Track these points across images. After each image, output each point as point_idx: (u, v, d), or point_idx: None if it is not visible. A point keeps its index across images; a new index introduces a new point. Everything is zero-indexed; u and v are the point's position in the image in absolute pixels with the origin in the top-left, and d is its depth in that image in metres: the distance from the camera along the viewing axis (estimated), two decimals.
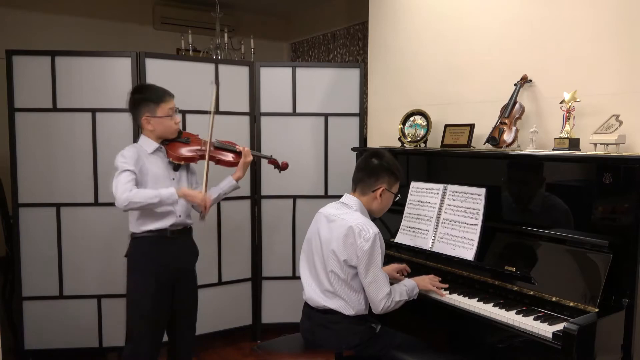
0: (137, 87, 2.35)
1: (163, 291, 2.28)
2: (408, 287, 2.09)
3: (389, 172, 2.12)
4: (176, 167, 2.35)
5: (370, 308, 2.07)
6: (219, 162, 2.43)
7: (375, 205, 2.14)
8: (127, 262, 2.31)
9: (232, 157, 2.45)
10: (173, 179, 2.33)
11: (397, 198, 2.21)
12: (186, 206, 2.35)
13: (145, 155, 2.27)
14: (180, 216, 2.30)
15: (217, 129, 2.57)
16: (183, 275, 2.37)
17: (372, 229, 1.98)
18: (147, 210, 2.22)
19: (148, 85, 2.37)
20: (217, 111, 2.40)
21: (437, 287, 2.15)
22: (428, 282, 2.16)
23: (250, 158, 2.43)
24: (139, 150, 2.27)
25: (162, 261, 2.27)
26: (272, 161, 2.61)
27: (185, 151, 2.35)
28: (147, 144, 2.30)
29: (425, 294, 2.16)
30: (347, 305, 2.04)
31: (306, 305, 2.18)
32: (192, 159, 2.37)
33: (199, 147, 2.38)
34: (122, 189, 2.12)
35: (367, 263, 1.96)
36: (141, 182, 2.24)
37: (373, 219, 2.14)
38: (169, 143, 2.35)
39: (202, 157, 2.35)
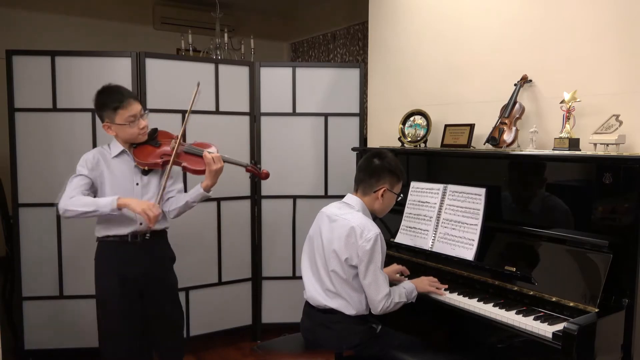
0: (100, 89, 2.21)
1: (128, 295, 2.20)
2: (407, 289, 2.09)
3: (390, 172, 2.12)
4: (145, 172, 2.24)
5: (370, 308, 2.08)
6: (184, 168, 2.26)
7: (377, 206, 2.14)
8: (94, 265, 2.26)
9: (201, 165, 2.23)
10: (137, 184, 2.22)
11: (400, 198, 2.20)
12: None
13: (106, 159, 2.21)
14: (141, 224, 2.18)
15: (217, 129, 2.57)
16: (151, 279, 2.25)
17: (373, 230, 1.98)
18: (105, 217, 2.14)
19: (110, 88, 2.21)
20: (192, 112, 2.29)
21: (436, 288, 2.15)
22: (427, 283, 2.16)
23: (217, 166, 2.19)
24: (103, 153, 2.22)
25: (124, 265, 2.19)
26: (250, 169, 2.34)
27: (151, 156, 2.22)
28: (113, 147, 2.23)
29: (426, 294, 2.16)
30: (348, 305, 2.04)
31: (307, 304, 2.18)
32: (155, 165, 2.22)
33: (167, 151, 2.23)
34: (65, 195, 2.08)
35: (367, 263, 1.96)
36: (99, 186, 2.18)
37: (374, 219, 2.14)
38: (137, 146, 2.23)
39: (167, 163, 2.20)
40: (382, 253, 2.00)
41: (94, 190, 2.18)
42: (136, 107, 2.19)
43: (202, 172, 2.23)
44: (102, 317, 2.27)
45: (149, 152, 2.23)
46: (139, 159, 2.20)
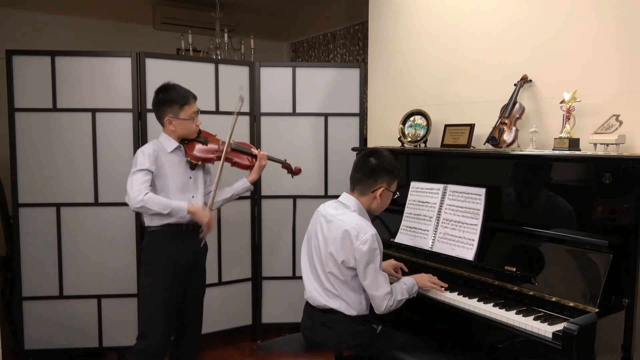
0: (163, 86, 2.37)
1: (176, 284, 2.33)
2: (408, 285, 2.09)
3: (388, 171, 2.11)
4: (193, 166, 2.39)
5: (371, 308, 2.08)
6: (234, 164, 2.49)
7: (375, 205, 2.13)
8: (143, 255, 2.37)
9: (248, 160, 2.51)
10: (190, 177, 2.38)
11: (396, 196, 2.20)
12: (202, 202, 2.41)
13: (164, 153, 2.32)
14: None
15: (217, 129, 2.58)
16: (195, 269, 2.44)
17: (369, 231, 1.97)
18: None
19: (174, 85, 2.38)
20: (240, 113, 2.48)
21: (436, 285, 2.15)
22: (427, 279, 2.16)
23: (265, 162, 2.52)
24: (159, 148, 2.32)
25: (178, 254, 2.32)
26: (286, 166, 2.68)
27: (203, 152, 2.40)
28: (168, 142, 2.35)
29: (425, 294, 2.16)
30: (348, 306, 2.03)
31: (307, 304, 2.17)
32: (209, 160, 2.41)
33: (216, 148, 2.43)
34: (137, 190, 2.17)
35: (366, 264, 1.96)
36: (158, 180, 2.29)
37: (374, 219, 2.13)
38: (188, 142, 2.39)
39: (218, 159, 2.40)
40: (379, 253, 2.00)
41: (151, 184, 2.27)
42: (196, 105, 2.38)
43: (249, 167, 2.52)
44: (145, 308, 2.35)
45: (200, 148, 2.40)
46: (193, 154, 2.36)
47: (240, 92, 2.47)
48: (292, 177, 2.74)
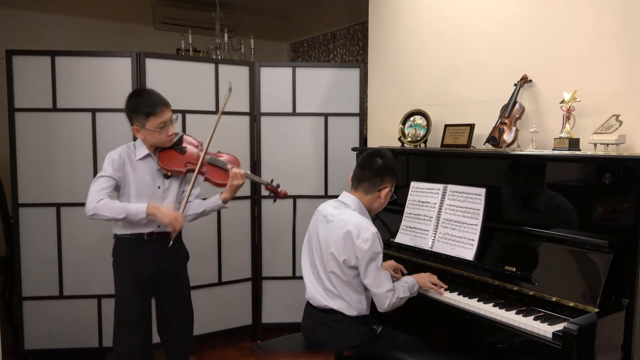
0: (133, 92, 2.27)
1: (138, 295, 2.26)
2: (409, 283, 2.10)
3: (392, 172, 2.13)
4: (167, 176, 2.28)
5: (371, 309, 2.08)
6: (206, 179, 2.30)
7: (376, 205, 2.14)
8: (112, 260, 2.33)
9: (224, 176, 2.30)
10: (159, 187, 2.25)
11: (394, 197, 2.21)
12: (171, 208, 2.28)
13: (132, 160, 2.23)
14: (159, 226, 2.22)
15: (217, 129, 2.57)
16: (165, 277, 2.30)
17: (370, 229, 1.98)
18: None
19: (144, 92, 2.26)
20: (222, 113, 2.36)
21: (436, 285, 2.16)
22: (427, 279, 2.17)
23: (239, 182, 2.27)
24: (129, 154, 2.23)
25: (139, 262, 2.24)
26: (270, 187, 2.43)
27: (176, 162, 2.26)
28: (139, 149, 2.25)
29: (426, 294, 2.17)
30: (349, 306, 2.04)
31: (308, 304, 2.18)
32: (179, 172, 2.26)
33: (193, 158, 2.28)
34: (93, 197, 2.10)
35: (368, 263, 1.96)
36: (123, 186, 2.21)
37: (374, 218, 2.14)
38: (163, 150, 2.26)
39: (191, 171, 2.25)
40: (381, 251, 2.00)
41: (117, 189, 2.22)
42: (167, 114, 2.20)
43: (222, 185, 2.29)
44: (117, 310, 2.33)
45: (173, 158, 2.26)
46: (164, 164, 2.23)
47: (229, 91, 2.34)
48: (274, 201, 2.51)
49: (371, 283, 1.98)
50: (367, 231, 1.96)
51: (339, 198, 2.16)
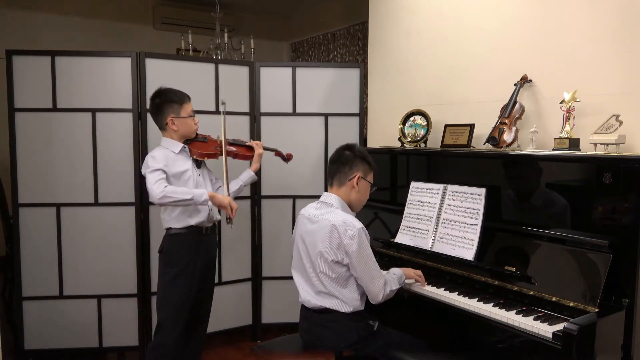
0: (157, 91, 2.45)
1: (194, 285, 2.43)
2: (397, 275, 2.14)
3: (362, 159, 2.14)
4: (198, 165, 2.50)
5: (366, 302, 2.09)
6: (236, 156, 2.63)
7: (354, 196, 2.14)
8: (162, 257, 2.43)
9: (247, 151, 2.66)
10: (199, 175, 2.48)
11: (374, 189, 2.22)
12: None
13: (172, 155, 2.39)
14: (211, 209, 2.45)
15: (217, 128, 2.59)
16: (210, 267, 2.56)
17: (356, 225, 1.99)
18: (190, 207, 2.36)
19: (167, 89, 2.45)
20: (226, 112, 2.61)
21: (420, 278, 2.20)
22: (411, 272, 2.22)
23: (261, 150, 2.65)
24: (166, 151, 2.39)
25: (197, 256, 2.43)
26: (278, 153, 2.80)
27: (206, 148, 2.51)
28: (173, 145, 2.42)
29: (425, 294, 2.17)
30: (342, 303, 2.04)
31: (303, 307, 2.18)
32: (214, 155, 2.52)
33: (216, 144, 2.55)
34: (156, 186, 2.24)
35: (358, 258, 1.97)
36: (174, 180, 2.36)
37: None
38: (190, 142, 2.49)
39: (221, 153, 2.52)
40: (368, 245, 2.02)
41: (169, 182, 2.35)
42: (191, 105, 2.48)
43: (249, 157, 2.66)
44: (164, 307, 2.40)
45: (202, 146, 2.51)
46: (199, 152, 2.47)
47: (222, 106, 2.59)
48: (287, 162, 2.84)
49: (362, 278, 2.00)
50: (353, 227, 1.98)
51: (320, 199, 2.17)
